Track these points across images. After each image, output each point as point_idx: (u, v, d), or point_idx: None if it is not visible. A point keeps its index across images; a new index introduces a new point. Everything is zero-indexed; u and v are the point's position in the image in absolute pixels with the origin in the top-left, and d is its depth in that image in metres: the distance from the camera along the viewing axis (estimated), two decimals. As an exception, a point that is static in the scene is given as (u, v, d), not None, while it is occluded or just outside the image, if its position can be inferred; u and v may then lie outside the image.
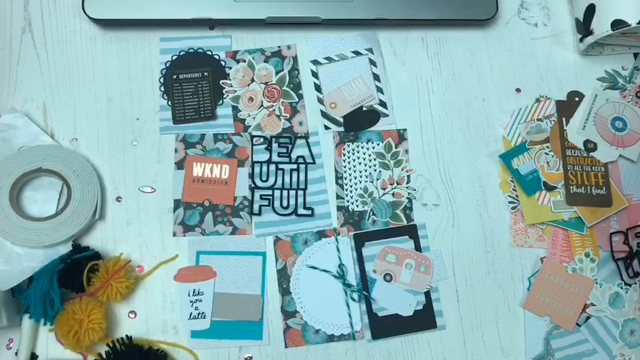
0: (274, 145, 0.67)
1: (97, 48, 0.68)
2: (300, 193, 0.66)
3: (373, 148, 0.68)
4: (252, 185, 0.66)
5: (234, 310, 0.63)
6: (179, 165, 0.66)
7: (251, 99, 0.68)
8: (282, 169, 0.67)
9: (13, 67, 0.67)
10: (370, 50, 0.70)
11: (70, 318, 0.58)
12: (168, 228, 0.65)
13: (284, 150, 0.67)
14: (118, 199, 0.65)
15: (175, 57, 0.68)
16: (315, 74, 0.69)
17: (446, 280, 0.65)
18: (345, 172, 0.67)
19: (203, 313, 0.63)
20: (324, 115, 0.68)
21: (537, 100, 0.70)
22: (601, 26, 0.66)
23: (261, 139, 0.67)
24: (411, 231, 0.66)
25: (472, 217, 0.67)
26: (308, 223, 0.65)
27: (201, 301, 0.63)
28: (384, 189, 0.67)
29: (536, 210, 0.67)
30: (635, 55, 0.72)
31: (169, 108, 0.67)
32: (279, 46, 0.70)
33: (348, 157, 0.67)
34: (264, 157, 0.67)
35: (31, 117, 0.66)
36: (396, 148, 0.68)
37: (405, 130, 0.68)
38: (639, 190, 0.68)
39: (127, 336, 0.60)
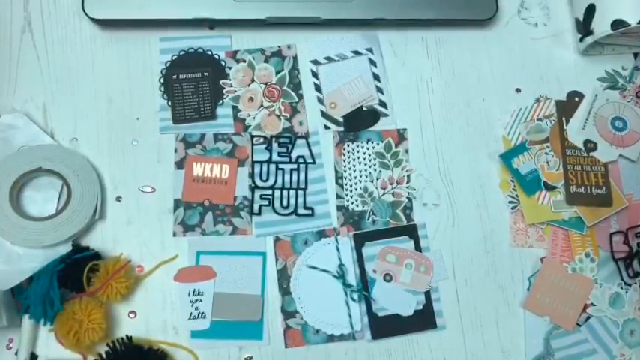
0: (274, 145, 0.67)
1: (97, 48, 0.68)
2: (300, 193, 0.66)
3: (373, 148, 0.68)
4: (252, 185, 0.66)
5: (234, 310, 0.63)
6: (179, 165, 0.66)
7: (251, 99, 0.68)
8: (282, 169, 0.67)
9: (13, 67, 0.67)
10: (370, 50, 0.70)
11: (70, 318, 0.58)
12: (168, 228, 0.64)
13: (284, 150, 0.67)
14: (118, 199, 0.65)
15: (175, 57, 0.68)
16: (315, 74, 0.69)
17: (446, 280, 0.65)
18: (345, 172, 0.67)
19: (203, 313, 0.63)
20: (324, 115, 0.68)
21: (537, 100, 0.70)
22: (601, 26, 0.66)
23: (261, 139, 0.67)
24: (411, 231, 0.66)
25: (472, 217, 0.67)
26: (308, 223, 0.65)
27: (201, 301, 0.63)
28: (384, 189, 0.67)
29: (536, 210, 0.67)
30: (635, 55, 0.72)
31: (169, 108, 0.67)
32: (279, 46, 0.70)
33: (348, 157, 0.67)
34: (264, 157, 0.67)
35: (31, 117, 0.66)
36: (396, 148, 0.68)
37: (405, 130, 0.68)
38: (639, 190, 0.68)
39: (127, 336, 0.60)
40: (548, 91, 0.70)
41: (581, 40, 0.69)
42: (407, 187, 0.67)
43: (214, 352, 0.62)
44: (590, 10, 0.67)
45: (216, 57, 0.69)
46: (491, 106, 0.70)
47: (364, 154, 0.68)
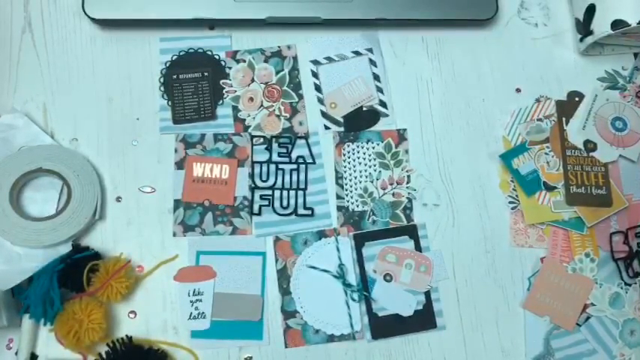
0: (274, 145, 0.67)
1: (97, 48, 0.68)
2: (300, 193, 0.66)
3: (373, 148, 0.68)
4: (252, 185, 0.66)
5: (234, 310, 0.63)
6: (179, 165, 0.66)
7: (251, 99, 0.68)
8: (282, 169, 0.67)
9: (13, 67, 0.67)
10: (370, 50, 0.70)
11: (70, 318, 0.58)
12: (168, 228, 0.64)
13: (284, 150, 0.67)
14: (118, 199, 0.65)
15: (175, 57, 0.68)
16: (315, 74, 0.69)
17: (446, 280, 0.65)
18: (345, 172, 0.67)
19: (203, 313, 0.63)
20: (324, 115, 0.68)
21: (537, 100, 0.70)
22: (601, 26, 0.66)
23: (261, 139, 0.67)
24: (411, 231, 0.66)
25: (472, 217, 0.67)
26: (308, 223, 0.65)
27: (201, 301, 0.63)
28: (384, 189, 0.67)
29: (536, 210, 0.67)
30: (635, 55, 0.72)
31: (169, 108, 0.67)
32: (279, 46, 0.70)
33: (348, 157, 0.67)
34: (264, 157, 0.67)
35: (31, 117, 0.66)
36: (396, 148, 0.68)
37: (405, 130, 0.68)
38: (639, 190, 0.68)
39: (127, 336, 0.60)
40: (548, 91, 0.70)
41: (581, 40, 0.69)
42: (407, 187, 0.67)
43: (214, 352, 0.62)
44: (591, 10, 0.67)
45: (216, 57, 0.69)
46: (491, 106, 0.70)
47: (364, 154, 0.68)
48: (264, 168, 0.66)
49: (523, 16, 0.73)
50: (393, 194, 0.67)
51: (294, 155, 0.67)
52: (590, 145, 0.68)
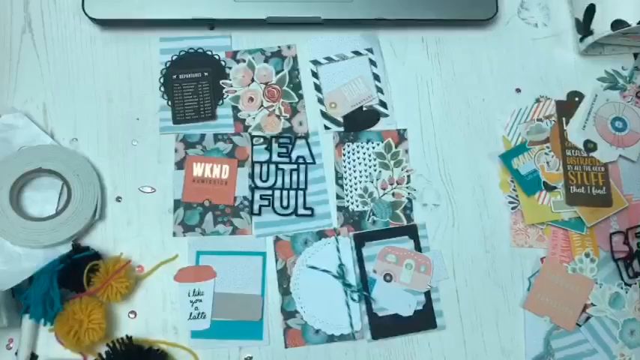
0: (274, 145, 0.67)
1: (97, 48, 0.68)
2: (300, 193, 0.66)
3: (373, 148, 0.68)
4: (252, 185, 0.66)
5: (234, 310, 0.63)
6: (179, 165, 0.66)
7: (251, 99, 0.68)
8: (282, 169, 0.67)
9: (13, 67, 0.67)
10: (370, 50, 0.70)
11: (70, 318, 0.58)
12: (168, 228, 0.64)
13: (284, 150, 0.67)
14: (118, 199, 0.65)
15: (175, 57, 0.68)
16: (315, 74, 0.69)
17: (446, 280, 0.65)
18: (345, 172, 0.67)
19: (203, 313, 0.63)
20: (324, 115, 0.68)
21: (537, 100, 0.70)
22: (601, 26, 0.66)
23: (261, 139, 0.67)
24: (411, 231, 0.66)
25: (472, 217, 0.67)
26: (308, 223, 0.65)
27: (201, 301, 0.63)
28: (384, 189, 0.67)
29: (536, 210, 0.67)
30: (635, 55, 0.72)
31: (169, 108, 0.67)
32: (279, 46, 0.70)
33: (348, 157, 0.67)
34: (264, 157, 0.67)
35: (31, 117, 0.66)
36: (396, 148, 0.68)
37: (405, 130, 0.68)
38: (639, 190, 0.68)
39: (127, 336, 0.60)
40: (548, 92, 0.70)
41: (581, 40, 0.69)
42: (407, 188, 0.67)
43: (214, 352, 0.62)
44: (590, 11, 0.67)
45: (216, 57, 0.69)
46: (491, 106, 0.70)
47: (364, 154, 0.68)
48: (264, 168, 0.66)
49: (523, 16, 0.73)
50: (393, 194, 0.67)
51: (294, 155, 0.67)
52: (590, 145, 0.68)
